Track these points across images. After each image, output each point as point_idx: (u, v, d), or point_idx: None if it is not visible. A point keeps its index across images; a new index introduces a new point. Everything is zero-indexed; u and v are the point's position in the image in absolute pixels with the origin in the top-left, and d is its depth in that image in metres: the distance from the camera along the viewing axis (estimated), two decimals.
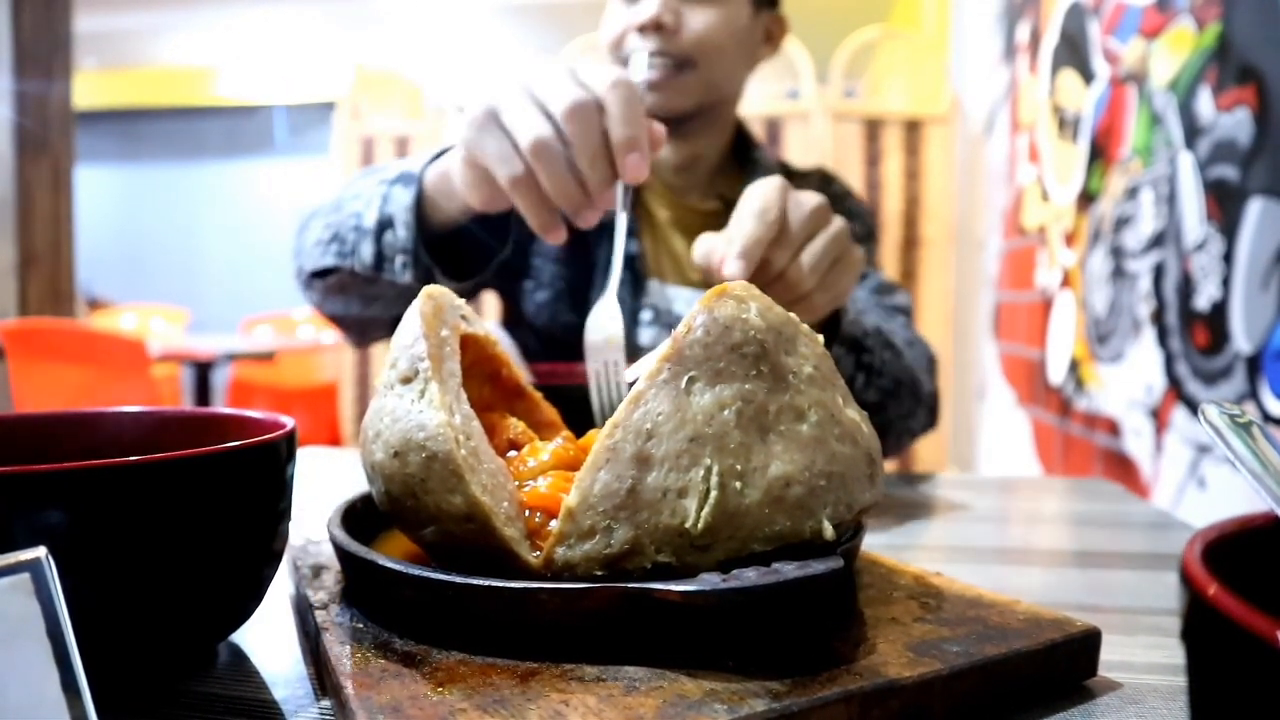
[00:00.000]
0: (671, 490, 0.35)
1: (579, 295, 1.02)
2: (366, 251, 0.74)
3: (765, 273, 0.63)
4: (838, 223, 0.67)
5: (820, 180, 1.14)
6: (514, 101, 0.59)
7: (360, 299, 0.82)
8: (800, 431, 0.37)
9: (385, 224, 0.73)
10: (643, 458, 0.35)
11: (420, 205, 0.72)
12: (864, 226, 1.11)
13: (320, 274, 0.80)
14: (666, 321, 1.02)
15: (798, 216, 0.64)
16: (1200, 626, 0.22)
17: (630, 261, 1.02)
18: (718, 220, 1.07)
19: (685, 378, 0.36)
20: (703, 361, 0.37)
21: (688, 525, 0.35)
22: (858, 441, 0.39)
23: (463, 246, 0.77)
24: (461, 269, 0.77)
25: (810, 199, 0.65)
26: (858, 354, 0.81)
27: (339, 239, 0.77)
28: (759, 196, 0.63)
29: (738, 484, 0.35)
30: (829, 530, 0.36)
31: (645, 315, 1.02)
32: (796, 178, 1.12)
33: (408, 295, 0.79)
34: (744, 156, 1.10)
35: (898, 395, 0.87)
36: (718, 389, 0.36)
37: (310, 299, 0.88)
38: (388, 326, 0.88)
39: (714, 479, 0.35)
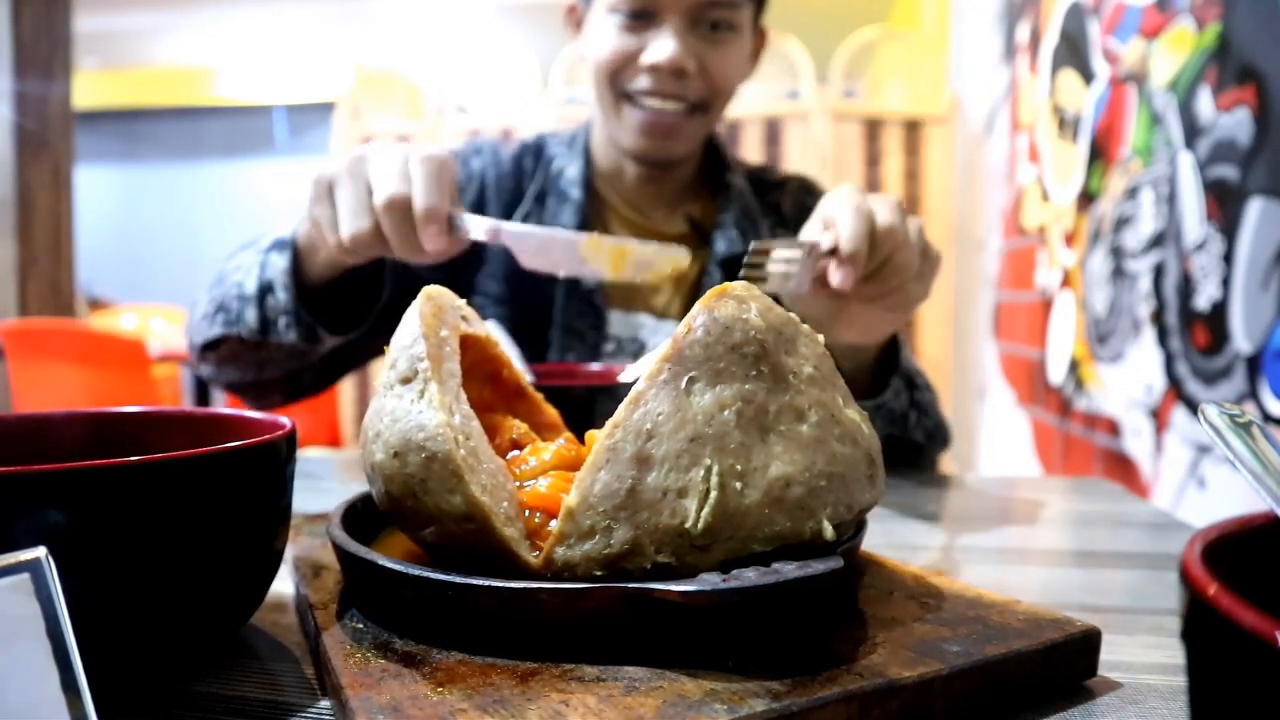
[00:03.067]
0: (671, 490, 0.35)
1: (528, 334, 0.93)
2: (251, 317, 0.77)
3: (870, 271, 0.65)
4: (915, 218, 0.68)
5: (800, 189, 1.07)
6: (345, 181, 0.66)
7: (252, 364, 0.84)
8: (800, 432, 0.37)
9: (266, 289, 0.76)
10: (643, 458, 0.35)
11: (297, 268, 0.76)
12: None
13: (211, 346, 0.82)
14: (631, 350, 0.96)
15: (885, 209, 0.65)
16: (1200, 626, 0.22)
17: (588, 296, 0.95)
18: (684, 244, 1.01)
19: (685, 378, 0.36)
20: (703, 362, 0.36)
21: (688, 525, 0.34)
22: (858, 442, 0.39)
23: (343, 302, 0.80)
24: (343, 322, 0.80)
25: (884, 197, 0.67)
26: (912, 390, 0.82)
27: (224, 309, 0.79)
28: (844, 200, 0.64)
29: (738, 484, 0.35)
30: (829, 531, 0.36)
31: (608, 347, 0.96)
32: (773, 186, 1.06)
33: (297, 353, 0.81)
34: (715, 177, 1.02)
35: (935, 438, 0.89)
36: (718, 389, 0.36)
37: (203, 372, 0.89)
38: (283, 388, 0.89)
39: (714, 479, 0.35)
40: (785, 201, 1.05)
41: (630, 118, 0.91)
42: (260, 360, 0.83)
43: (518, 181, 0.99)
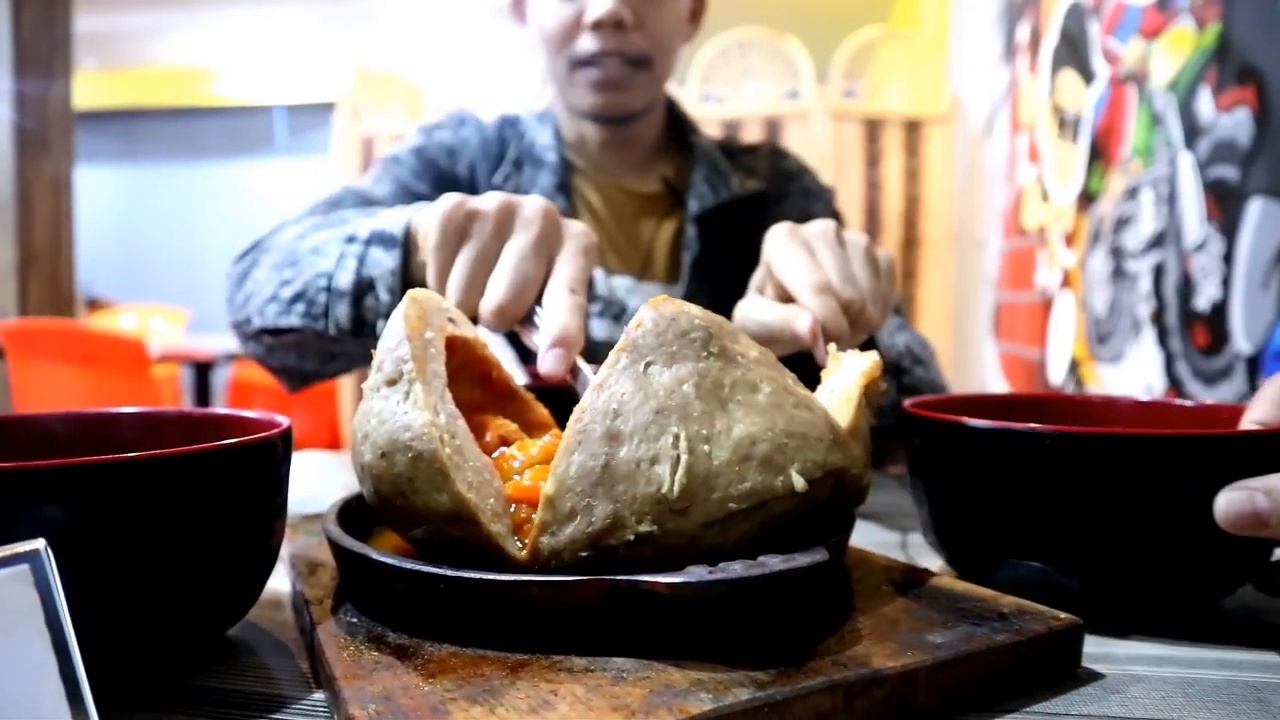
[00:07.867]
0: (644, 460, 0.36)
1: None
2: (343, 315, 0.69)
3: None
4: (853, 237, 0.65)
5: (771, 152, 1.11)
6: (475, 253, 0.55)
7: (319, 355, 0.78)
8: (757, 400, 0.38)
9: (366, 287, 0.67)
10: (613, 434, 0.37)
11: (406, 267, 0.67)
12: (825, 207, 1.07)
13: (277, 332, 0.75)
14: (615, 313, 0.98)
15: (827, 255, 0.61)
16: (916, 429, 0.50)
17: None
18: (660, 204, 1.04)
19: (643, 362, 0.38)
20: (656, 348, 0.38)
21: (664, 491, 0.36)
22: (813, 409, 0.40)
23: None
24: None
25: (818, 229, 0.64)
26: (899, 377, 0.82)
27: (305, 300, 0.71)
28: (799, 273, 0.60)
29: (706, 447, 0.36)
30: (799, 482, 0.37)
31: (594, 306, 0.97)
32: (743, 151, 1.10)
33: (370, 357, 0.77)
34: (681, 138, 1.07)
35: None
36: (674, 368, 0.38)
37: (251, 350, 0.82)
38: (334, 375, 0.86)
39: (683, 444, 0.36)
40: (759, 165, 1.08)
41: (581, 79, 0.97)
42: (332, 353, 0.77)
43: (501, 148, 1.04)
